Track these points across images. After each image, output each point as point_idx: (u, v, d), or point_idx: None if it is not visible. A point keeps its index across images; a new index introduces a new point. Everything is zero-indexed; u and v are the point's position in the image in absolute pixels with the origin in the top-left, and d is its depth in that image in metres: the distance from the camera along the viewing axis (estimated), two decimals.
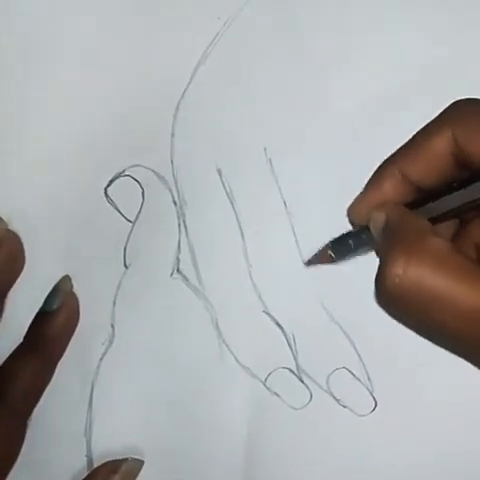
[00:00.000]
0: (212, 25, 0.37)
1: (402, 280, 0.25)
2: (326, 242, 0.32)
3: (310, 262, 0.33)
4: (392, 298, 0.26)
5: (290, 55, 0.37)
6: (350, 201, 0.31)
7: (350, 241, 0.32)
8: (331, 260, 0.32)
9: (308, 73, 0.37)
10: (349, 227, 0.35)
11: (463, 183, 0.29)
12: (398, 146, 0.36)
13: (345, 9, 0.37)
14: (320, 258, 0.32)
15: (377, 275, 0.26)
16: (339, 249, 0.32)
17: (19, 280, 0.34)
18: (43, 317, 0.35)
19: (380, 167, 0.31)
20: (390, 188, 0.30)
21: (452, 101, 0.30)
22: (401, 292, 0.25)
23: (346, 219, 0.36)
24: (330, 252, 0.32)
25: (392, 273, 0.25)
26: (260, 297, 0.37)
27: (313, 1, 0.37)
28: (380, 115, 0.37)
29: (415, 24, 0.37)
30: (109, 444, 0.37)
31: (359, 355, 0.36)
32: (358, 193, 0.31)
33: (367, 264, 0.36)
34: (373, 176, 0.31)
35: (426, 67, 0.37)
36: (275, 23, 0.37)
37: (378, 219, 0.29)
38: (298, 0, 0.37)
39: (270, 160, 0.37)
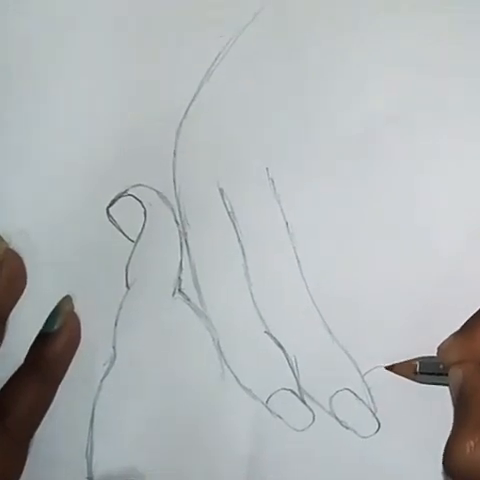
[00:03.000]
0: (215, 44, 0.37)
1: (471, 457, 0.28)
2: (417, 357, 0.34)
3: (391, 368, 0.35)
4: (459, 469, 0.28)
5: (293, 75, 0.37)
6: (442, 339, 0.33)
7: (439, 367, 0.33)
8: (412, 376, 0.34)
9: (311, 93, 0.37)
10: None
11: None
12: (400, 167, 0.37)
13: (348, 29, 0.37)
14: (403, 368, 0.34)
15: (449, 439, 0.28)
16: (426, 369, 0.34)
17: (20, 300, 0.34)
18: (44, 338, 0.35)
19: (476, 315, 0.32)
20: None
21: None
22: (468, 467, 0.27)
23: (347, 240, 0.36)
24: (417, 367, 0.34)
25: (462, 448, 0.28)
26: (262, 317, 0.36)
27: (316, 21, 0.37)
28: (383, 135, 0.37)
29: (417, 47, 0.37)
30: (110, 466, 0.36)
31: (362, 376, 0.36)
32: (452, 332, 0.32)
33: (369, 285, 0.36)
34: (470, 320, 0.31)
35: (430, 86, 0.37)
36: (278, 42, 0.37)
37: (455, 378, 0.30)
38: (301, 20, 0.37)
39: (272, 180, 0.37)
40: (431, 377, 0.34)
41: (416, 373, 0.34)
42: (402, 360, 0.35)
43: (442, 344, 0.32)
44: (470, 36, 0.37)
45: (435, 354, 0.34)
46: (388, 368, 0.35)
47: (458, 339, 0.32)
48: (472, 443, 0.28)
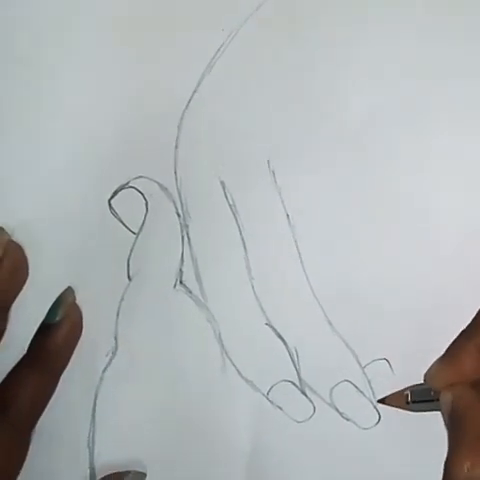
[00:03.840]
0: (216, 36, 0.37)
1: (469, 478, 0.28)
2: (407, 386, 0.34)
3: (383, 400, 0.34)
4: None
5: (294, 67, 0.37)
6: (428, 365, 0.32)
7: (431, 393, 0.33)
8: (406, 406, 0.34)
9: (312, 85, 0.37)
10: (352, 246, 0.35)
11: None
12: (400, 158, 0.37)
13: (349, 22, 0.37)
14: (394, 399, 0.34)
15: (446, 462, 0.29)
16: (418, 397, 0.33)
17: (22, 292, 0.34)
18: (46, 329, 0.35)
19: (458, 339, 0.32)
20: (468, 362, 0.31)
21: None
22: None
23: (348, 232, 0.36)
24: (409, 396, 0.33)
25: (459, 470, 0.28)
26: (263, 310, 0.36)
27: (318, 13, 0.37)
28: (384, 127, 0.37)
29: (418, 37, 0.37)
30: (112, 456, 0.36)
31: (362, 368, 0.36)
32: (436, 359, 0.32)
33: (369, 277, 0.36)
34: (453, 343, 0.32)
35: (431, 81, 0.37)
36: (279, 35, 0.37)
37: (445, 401, 0.31)
38: (303, 12, 0.37)
39: (273, 172, 0.37)
40: (424, 404, 0.34)
41: (408, 403, 0.34)
42: (396, 391, 0.35)
43: (428, 371, 0.33)
44: (472, 33, 0.37)
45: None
46: (379, 401, 0.35)
47: (444, 364, 0.32)
48: (469, 464, 0.28)
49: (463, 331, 0.32)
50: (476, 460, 0.28)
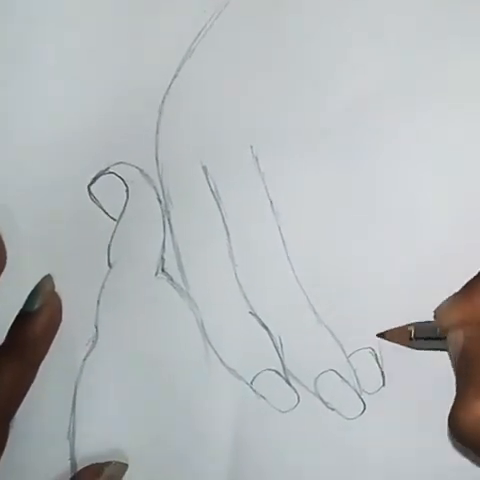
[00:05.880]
0: (198, 18, 0.37)
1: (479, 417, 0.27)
2: (411, 322, 0.33)
3: (383, 335, 0.34)
4: (468, 431, 0.27)
5: (277, 50, 0.36)
6: (439, 302, 0.31)
7: (436, 332, 0.32)
8: (408, 342, 0.33)
9: (296, 70, 0.36)
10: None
11: None
12: (386, 144, 0.36)
13: (334, 5, 0.36)
14: (396, 334, 0.34)
15: (454, 402, 0.28)
16: (422, 334, 0.33)
17: (0, 279, 0.34)
18: (24, 318, 0.35)
19: (476, 278, 0.31)
20: None
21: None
22: (477, 427, 0.27)
23: (332, 219, 0.36)
24: (412, 332, 0.33)
25: (469, 409, 0.27)
26: (246, 298, 0.36)
27: None
28: (369, 113, 0.36)
29: (410, 24, 0.36)
30: (93, 447, 0.36)
31: (347, 357, 0.35)
32: (450, 295, 0.31)
33: (355, 265, 0.36)
34: (470, 282, 0.31)
35: (421, 68, 0.36)
36: (262, 17, 0.36)
37: (456, 341, 0.30)
38: None
39: (256, 158, 0.36)
40: (428, 342, 0.33)
41: (411, 339, 0.33)
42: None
43: (440, 307, 0.31)
44: (462, 6, 0.36)
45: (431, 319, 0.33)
46: (379, 335, 0.34)
47: (457, 301, 0.31)
48: (478, 403, 0.27)
49: None
50: None
